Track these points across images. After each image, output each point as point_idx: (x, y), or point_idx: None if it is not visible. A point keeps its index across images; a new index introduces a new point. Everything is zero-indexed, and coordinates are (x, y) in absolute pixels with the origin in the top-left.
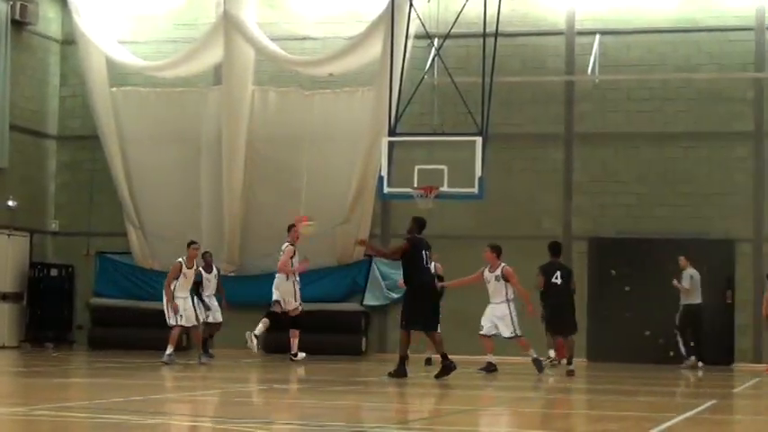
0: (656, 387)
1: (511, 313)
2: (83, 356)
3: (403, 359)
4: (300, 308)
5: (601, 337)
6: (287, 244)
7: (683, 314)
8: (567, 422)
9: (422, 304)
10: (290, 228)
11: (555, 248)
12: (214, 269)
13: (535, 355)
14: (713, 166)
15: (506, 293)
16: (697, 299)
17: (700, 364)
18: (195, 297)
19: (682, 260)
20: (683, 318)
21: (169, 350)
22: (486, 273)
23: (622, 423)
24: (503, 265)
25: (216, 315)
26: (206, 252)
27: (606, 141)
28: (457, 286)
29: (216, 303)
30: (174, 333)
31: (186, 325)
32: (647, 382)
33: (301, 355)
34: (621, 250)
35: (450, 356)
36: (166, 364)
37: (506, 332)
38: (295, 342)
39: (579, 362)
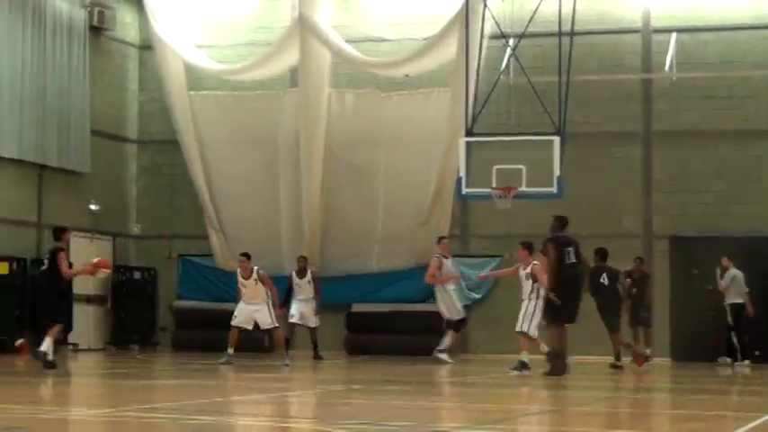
0: (741, 386)
1: (530, 309)
2: (167, 358)
3: (558, 354)
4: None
5: (684, 336)
6: (435, 256)
7: (734, 313)
8: (652, 421)
9: (570, 299)
10: (440, 240)
11: (602, 254)
12: (308, 274)
13: (525, 359)
14: None
15: (533, 291)
16: (739, 298)
17: (746, 362)
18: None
19: (725, 261)
20: (734, 317)
21: (229, 350)
22: (521, 270)
23: (709, 423)
24: (533, 263)
25: (308, 320)
26: (300, 257)
27: (685, 139)
28: (492, 278)
29: (311, 308)
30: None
31: (240, 326)
32: (732, 381)
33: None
34: (703, 248)
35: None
36: (222, 364)
37: (517, 325)
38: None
39: (663, 361)
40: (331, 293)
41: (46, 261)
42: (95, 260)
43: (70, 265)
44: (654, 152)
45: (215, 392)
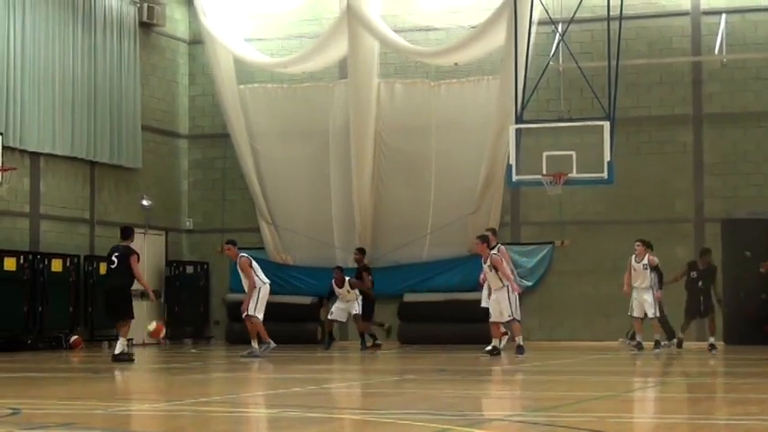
0: None
1: (509, 298)
2: (221, 352)
3: None
4: None
5: (737, 319)
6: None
7: None
8: (706, 405)
9: None
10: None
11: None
12: (345, 284)
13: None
14: None
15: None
16: None
17: None
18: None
19: None
20: None
21: (254, 344)
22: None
23: (763, 406)
24: (492, 254)
25: (350, 307)
26: (337, 267)
27: (736, 121)
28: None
29: (355, 305)
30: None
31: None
32: None
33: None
34: (755, 231)
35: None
36: (256, 356)
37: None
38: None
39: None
40: (383, 283)
41: (115, 260)
42: (154, 326)
43: None
44: (704, 135)
45: (268, 385)
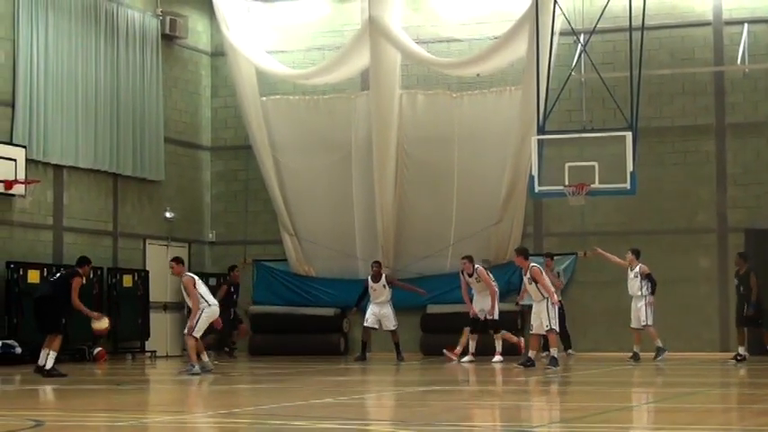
0: None
1: (548, 309)
2: (244, 363)
3: None
4: None
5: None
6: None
7: None
8: (727, 416)
9: None
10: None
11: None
12: (382, 278)
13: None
14: None
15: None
16: None
17: None
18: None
19: None
20: None
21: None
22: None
23: None
24: (532, 265)
25: (387, 323)
26: (374, 262)
27: (759, 131)
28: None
29: (388, 311)
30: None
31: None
32: None
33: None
34: None
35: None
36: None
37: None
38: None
39: None
40: (406, 295)
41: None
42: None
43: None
44: (727, 145)
45: (292, 396)
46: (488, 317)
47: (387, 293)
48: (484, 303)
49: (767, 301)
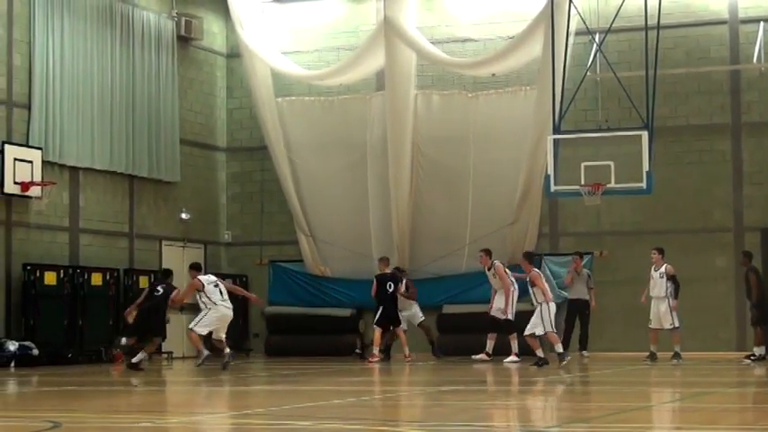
0: None
1: (541, 313)
2: (260, 364)
3: None
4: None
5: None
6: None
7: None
8: (745, 416)
9: None
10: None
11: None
12: (403, 283)
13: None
14: None
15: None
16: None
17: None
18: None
19: None
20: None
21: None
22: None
23: None
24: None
25: (414, 318)
26: (395, 268)
27: None
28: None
29: (415, 310)
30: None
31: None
32: None
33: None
34: None
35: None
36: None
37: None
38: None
39: None
40: (422, 295)
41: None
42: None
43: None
44: (744, 144)
45: (308, 397)
46: (502, 316)
47: (409, 299)
48: (500, 302)
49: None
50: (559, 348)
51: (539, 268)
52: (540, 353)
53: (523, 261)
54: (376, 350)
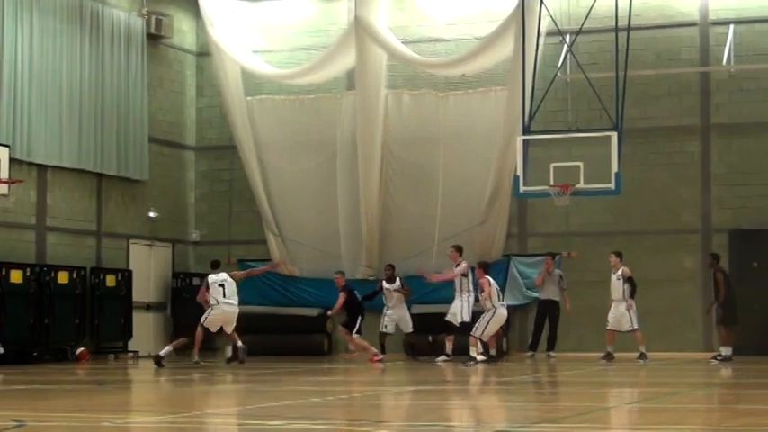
0: None
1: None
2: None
3: None
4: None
5: (744, 330)
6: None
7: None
8: (712, 416)
9: None
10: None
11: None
12: (396, 281)
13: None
14: None
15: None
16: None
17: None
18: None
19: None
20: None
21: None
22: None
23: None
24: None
25: (404, 325)
26: (387, 265)
27: (744, 132)
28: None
29: (405, 313)
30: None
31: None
32: None
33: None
34: (763, 242)
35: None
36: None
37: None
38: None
39: None
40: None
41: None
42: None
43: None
44: (712, 146)
45: (276, 397)
46: (457, 320)
47: (400, 296)
48: (456, 305)
49: (751, 302)
50: (472, 352)
51: (506, 271)
52: (491, 351)
53: (478, 270)
54: (374, 349)
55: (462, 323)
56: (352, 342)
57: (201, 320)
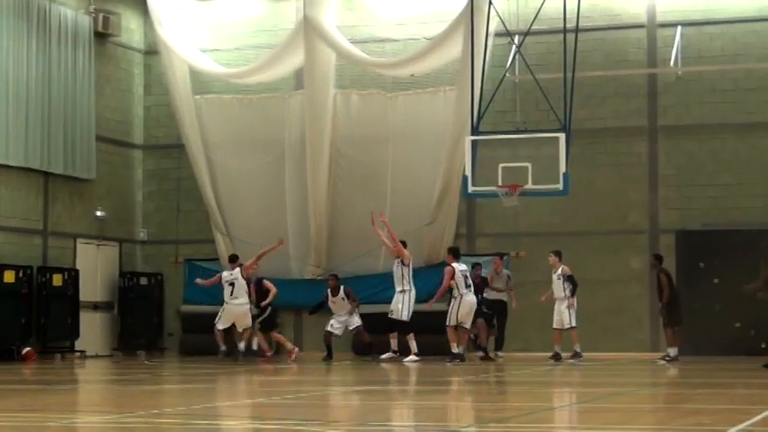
0: (748, 379)
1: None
2: (174, 363)
3: None
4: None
5: (691, 330)
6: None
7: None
8: (658, 416)
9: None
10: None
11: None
12: (341, 291)
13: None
14: None
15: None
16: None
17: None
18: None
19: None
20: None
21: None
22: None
23: (716, 416)
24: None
25: (350, 323)
26: (331, 275)
27: (691, 133)
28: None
29: (354, 319)
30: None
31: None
32: (739, 375)
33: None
34: (709, 242)
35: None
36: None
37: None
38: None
39: None
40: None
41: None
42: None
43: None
44: (659, 147)
45: (222, 397)
46: (397, 317)
47: (347, 306)
48: (397, 301)
49: (698, 302)
50: (455, 349)
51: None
52: (455, 348)
53: (448, 256)
54: (269, 348)
55: (401, 322)
56: (259, 338)
57: (215, 322)
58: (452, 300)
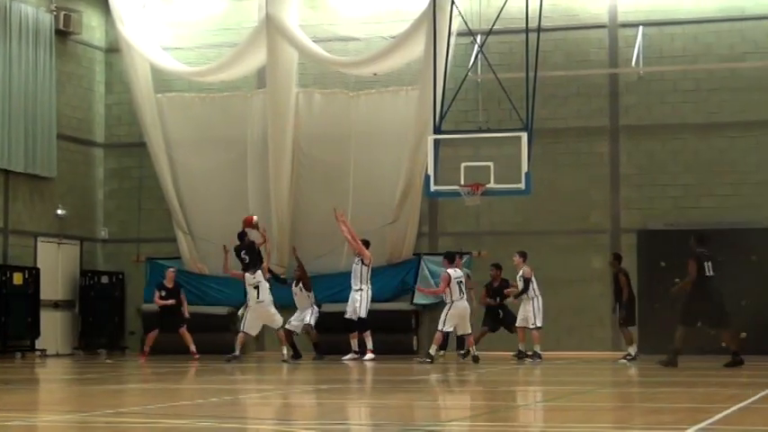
0: (709, 378)
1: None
2: (135, 362)
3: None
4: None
5: (652, 329)
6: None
7: None
8: (619, 414)
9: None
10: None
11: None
12: (300, 282)
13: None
14: (761, 154)
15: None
16: None
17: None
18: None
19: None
20: None
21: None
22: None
23: (676, 415)
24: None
25: (304, 316)
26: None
27: (652, 133)
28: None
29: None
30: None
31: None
32: (700, 374)
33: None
34: (671, 242)
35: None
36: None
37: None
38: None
39: None
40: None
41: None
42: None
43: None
44: (621, 146)
45: (183, 396)
46: (354, 316)
47: (306, 301)
48: (354, 301)
49: (659, 302)
50: (432, 350)
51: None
52: (433, 350)
53: (444, 261)
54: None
55: (360, 319)
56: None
57: (241, 327)
58: (444, 306)
